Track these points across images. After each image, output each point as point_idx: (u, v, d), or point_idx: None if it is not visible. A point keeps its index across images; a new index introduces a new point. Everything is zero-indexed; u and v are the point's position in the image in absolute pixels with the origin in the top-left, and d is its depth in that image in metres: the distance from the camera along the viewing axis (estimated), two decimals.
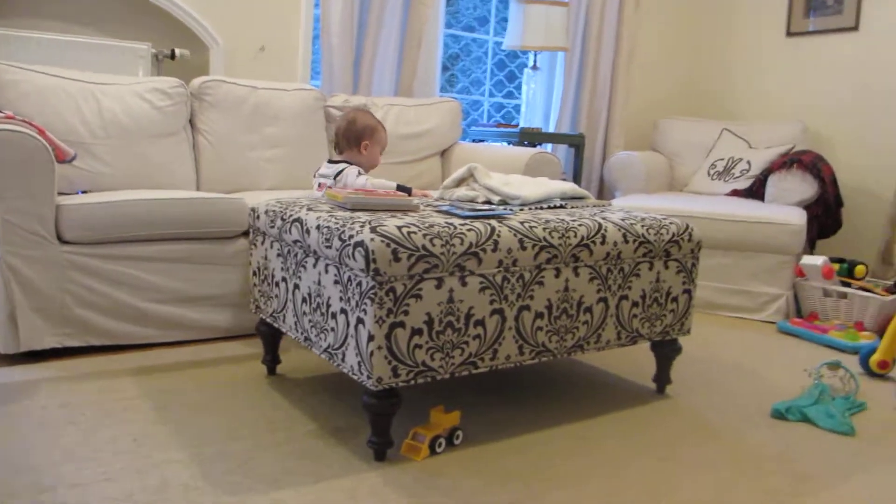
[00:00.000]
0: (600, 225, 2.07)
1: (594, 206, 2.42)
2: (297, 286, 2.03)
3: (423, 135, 3.63)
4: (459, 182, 2.42)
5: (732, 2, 4.91)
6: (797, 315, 3.42)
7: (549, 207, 2.29)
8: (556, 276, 1.97)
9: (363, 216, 1.87)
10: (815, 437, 2.09)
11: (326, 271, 1.86)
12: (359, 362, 1.75)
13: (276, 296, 2.16)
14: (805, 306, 3.41)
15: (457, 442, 1.92)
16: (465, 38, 4.48)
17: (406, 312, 1.72)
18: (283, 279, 2.11)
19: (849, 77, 4.33)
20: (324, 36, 3.56)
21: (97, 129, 2.79)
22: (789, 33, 4.60)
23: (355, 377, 1.78)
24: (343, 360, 1.82)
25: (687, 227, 2.26)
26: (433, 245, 1.74)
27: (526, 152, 3.44)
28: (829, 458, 1.95)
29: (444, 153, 3.80)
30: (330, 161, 2.77)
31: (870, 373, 2.65)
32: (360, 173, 2.65)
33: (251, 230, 2.33)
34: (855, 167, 4.28)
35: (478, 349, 1.86)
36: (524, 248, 1.89)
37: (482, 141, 4.18)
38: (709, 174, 4.25)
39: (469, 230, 1.82)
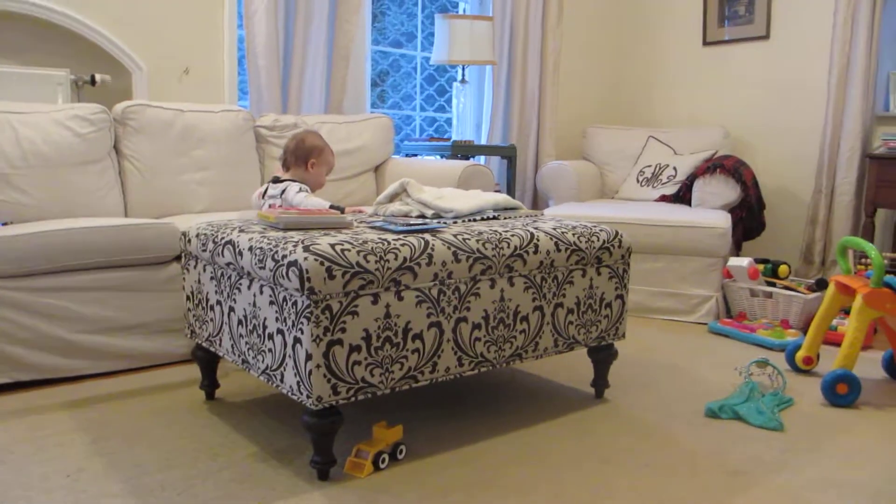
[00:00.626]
0: (532, 235, 2.10)
1: (526, 216, 2.46)
2: (232, 309, 2.00)
3: (355, 151, 3.63)
4: (393, 197, 2.43)
5: (651, 13, 5.06)
6: (727, 315, 3.53)
7: (483, 219, 2.32)
8: (492, 286, 1.99)
9: (296, 235, 1.86)
10: (747, 434, 2.15)
11: (261, 292, 1.85)
12: (298, 382, 1.74)
13: (212, 319, 2.13)
14: (734, 307, 3.52)
15: (400, 457, 1.92)
16: (393, 54, 4.50)
17: (343, 330, 1.72)
18: (218, 302, 2.08)
19: (763, 83, 4.50)
20: (249, 56, 3.54)
21: (16, 159, 2.71)
22: (706, 42, 4.77)
23: (295, 397, 1.76)
24: (282, 380, 1.81)
25: (617, 233, 2.31)
26: (367, 261, 1.75)
27: (459, 165, 3.48)
28: (760, 454, 2.01)
29: (377, 169, 3.81)
30: (274, 180, 2.78)
31: (796, 369, 2.74)
32: (300, 189, 2.68)
33: (183, 255, 2.29)
34: (775, 170, 4.45)
35: (417, 363, 1.87)
36: (458, 261, 1.91)
37: (415, 155, 4.20)
38: (638, 181, 4.36)
39: (403, 245, 1.83)
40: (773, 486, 1.82)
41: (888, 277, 2.47)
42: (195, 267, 2.21)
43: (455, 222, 2.22)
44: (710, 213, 3.61)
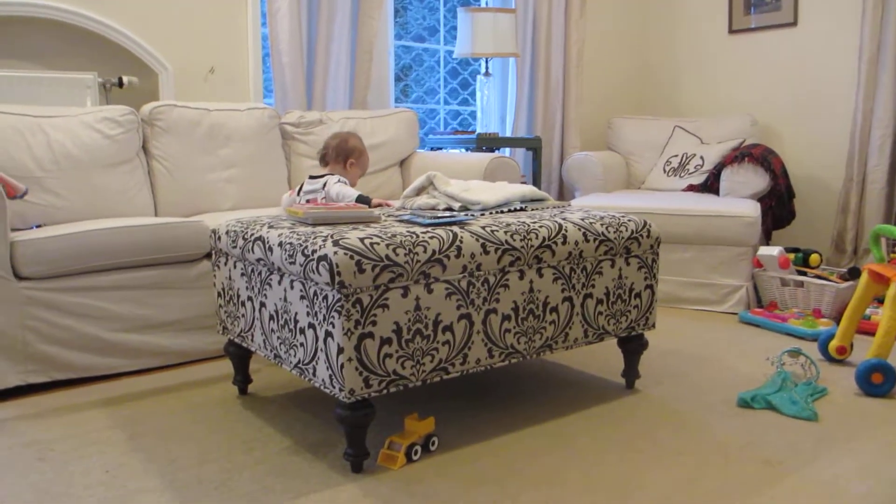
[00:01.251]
0: (560, 225, 2.10)
1: (554, 207, 2.45)
2: (263, 304, 2.02)
3: (380, 146, 3.64)
4: (419, 191, 2.44)
5: (675, 1, 5.01)
6: (757, 305, 3.49)
7: (510, 211, 2.32)
8: (521, 277, 1.99)
9: (325, 230, 1.87)
10: (780, 424, 2.13)
11: (292, 287, 1.86)
12: (330, 375, 1.75)
13: (243, 315, 2.15)
14: (764, 296, 3.49)
15: (433, 448, 1.93)
16: (416, 49, 4.50)
17: (374, 323, 1.73)
18: (249, 298, 2.10)
19: (791, 70, 4.44)
20: (274, 54, 3.56)
21: (47, 162, 2.75)
22: (731, 30, 4.71)
23: (327, 391, 1.78)
24: (314, 374, 1.82)
25: (645, 223, 2.30)
26: (396, 254, 1.75)
27: (484, 158, 3.47)
28: (794, 444, 1.99)
29: (402, 163, 3.82)
30: (311, 177, 2.82)
31: (829, 359, 2.71)
32: (339, 180, 2.77)
33: (213, 252, 2.32)
34: (804, 158, 4.39)
35: (448, 355, 1.88)
36: (487, 253, 1.91)
37: (440, 149, 4.20)
38: (664, 171, 4.33)
39: (431, 237, 1.84)
40: (809, 477, 1.80)
41: None
42: (225, 264, 2.23)
43: (482, 214, 2.22)
44: (739, 202, 3.58)
